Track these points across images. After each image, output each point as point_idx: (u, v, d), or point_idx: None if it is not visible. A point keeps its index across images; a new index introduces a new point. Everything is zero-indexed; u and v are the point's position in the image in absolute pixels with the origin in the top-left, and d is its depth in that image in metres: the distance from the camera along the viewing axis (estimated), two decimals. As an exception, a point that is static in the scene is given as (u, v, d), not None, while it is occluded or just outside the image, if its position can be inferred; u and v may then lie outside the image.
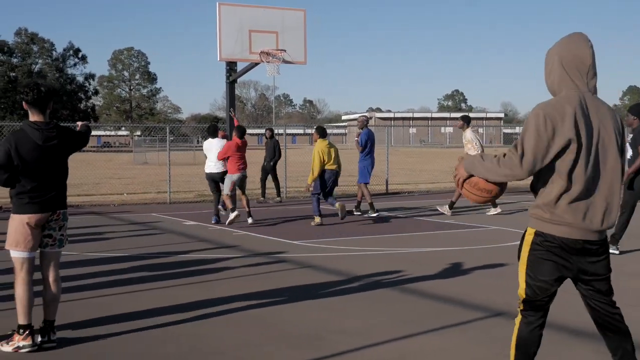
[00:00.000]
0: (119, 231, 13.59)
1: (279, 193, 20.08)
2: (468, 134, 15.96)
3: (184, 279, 8.81)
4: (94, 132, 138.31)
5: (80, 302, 7.57)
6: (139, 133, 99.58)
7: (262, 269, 9.58)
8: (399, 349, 6.00)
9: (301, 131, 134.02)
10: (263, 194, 19.72)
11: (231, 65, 18.00)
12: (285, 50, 17.36)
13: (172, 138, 21.89)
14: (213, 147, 14.52)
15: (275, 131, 21.05)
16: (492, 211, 16.06)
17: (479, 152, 15.96)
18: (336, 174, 14.48)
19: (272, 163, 19.54)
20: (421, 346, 6.07)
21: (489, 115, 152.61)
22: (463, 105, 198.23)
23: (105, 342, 6.17)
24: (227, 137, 15.26)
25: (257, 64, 17.69)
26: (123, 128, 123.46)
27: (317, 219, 14.41)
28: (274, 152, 19.62)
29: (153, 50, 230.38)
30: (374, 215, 15.22)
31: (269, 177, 19.79)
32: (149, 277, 9.01)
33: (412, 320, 6.89)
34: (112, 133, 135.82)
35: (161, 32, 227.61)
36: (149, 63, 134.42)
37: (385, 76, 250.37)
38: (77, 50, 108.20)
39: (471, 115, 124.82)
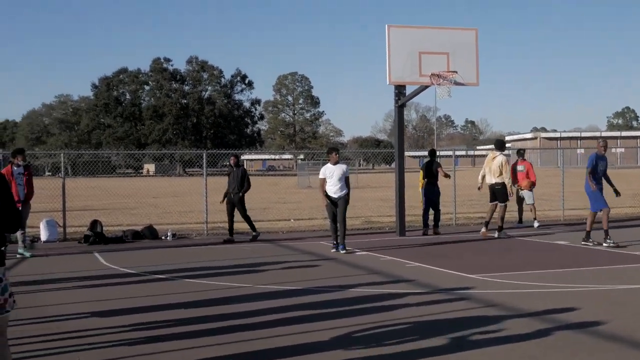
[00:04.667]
0: (290, 261, 13.35)
1: (253, 227, 17.40)
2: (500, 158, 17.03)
3: (354, 319, 8.29)
4: (259, 156, 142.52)
5: (251, 343, 7.22)
6: (302, 156, 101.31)
7: (442, 308, 8.92)
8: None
9: (463, 153, 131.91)
10: (231, 232, 17.22)
11: (400, 89, 17.50)
12: (456, 72, 16.65)
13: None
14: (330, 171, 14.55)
15: (439, 153, 20.22)
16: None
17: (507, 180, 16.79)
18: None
19: (240, 194, 17.03)
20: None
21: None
22: (634, 123, 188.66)
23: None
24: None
25: (427, 86, 17.09)
26: (287, 152, 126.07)
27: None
28: (242, 182, 17.13)
29: (316, 74, 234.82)
30: (613, 244, 14.70)
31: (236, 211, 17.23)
32: (319, 315, 8.57)
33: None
34: (277, 157, 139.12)
35: (324, 56, 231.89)
36: (312, 87, 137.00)
37: (550, 94, 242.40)
38: (244, 77, 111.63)
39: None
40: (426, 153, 20.99)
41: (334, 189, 14.38)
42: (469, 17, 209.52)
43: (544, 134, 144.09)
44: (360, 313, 8.59)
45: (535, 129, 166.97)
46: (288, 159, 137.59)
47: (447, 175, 18.53)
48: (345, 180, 14.46)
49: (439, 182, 18.33)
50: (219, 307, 9.10)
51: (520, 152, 20.31)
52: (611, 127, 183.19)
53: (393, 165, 19.12)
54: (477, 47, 17.27)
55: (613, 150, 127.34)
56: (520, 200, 19.81)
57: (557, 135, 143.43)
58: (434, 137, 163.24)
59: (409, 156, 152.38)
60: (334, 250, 14.51)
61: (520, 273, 11.54)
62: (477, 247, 15.28)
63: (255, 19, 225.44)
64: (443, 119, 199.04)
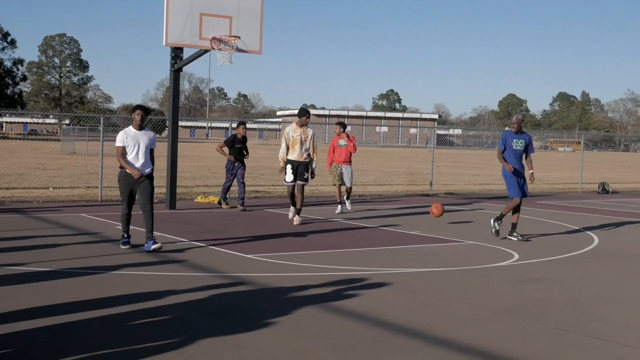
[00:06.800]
0: (44, 236, 11.75)
1: None
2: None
3: (114, 309, 7.14)
4: (20, 119, 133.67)
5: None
6: (67, 121, 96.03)
7: (216, 292, 7.96)
8: None
9: (235, 125, 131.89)
10: None
11: (177, 52, 16.21)
12: (239, 37, 15.64)
13: (100, 128, 19.85)
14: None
15: (209, 124, 19.17)
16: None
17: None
18: None
19: None
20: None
21: (423, 116, 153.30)
22: (397, 105, 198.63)
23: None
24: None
25: (206, 51, 15.91)
26: (51, 116, 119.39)
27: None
28: None
29: (86, 38, 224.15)
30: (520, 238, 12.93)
31: None
32: (70, 305, 7.31)
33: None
34: (40, 121, 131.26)
35: (94, 19, 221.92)
36: (81, 50, 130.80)
37: (320, 72, 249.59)
38: (6, 34, 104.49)
39: (405, 115, 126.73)
40: (200, 124, 19.73)
41: (137, 165, 10.58)
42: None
43: (313, 111, 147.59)
44: (122, 302, 7.41)
45: (305, 105, 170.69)
46: (52, 124, 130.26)
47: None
48: (151, 154, 10.76)
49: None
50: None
51: (343, 125, 17.25)
52: (376, 107, 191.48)
53: (164, 134, 17.83)
54: (262, 13, 16.34)
55: (377, 129, 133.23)
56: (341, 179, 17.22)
57: (326, 112, 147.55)
58: (206, 109, 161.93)
59: (181, 126, 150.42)
60: (126, 247, 10.81)
61: (301, 253, 10.85)
62: (257, 223, 14.45)
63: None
64: (216, 91, 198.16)
